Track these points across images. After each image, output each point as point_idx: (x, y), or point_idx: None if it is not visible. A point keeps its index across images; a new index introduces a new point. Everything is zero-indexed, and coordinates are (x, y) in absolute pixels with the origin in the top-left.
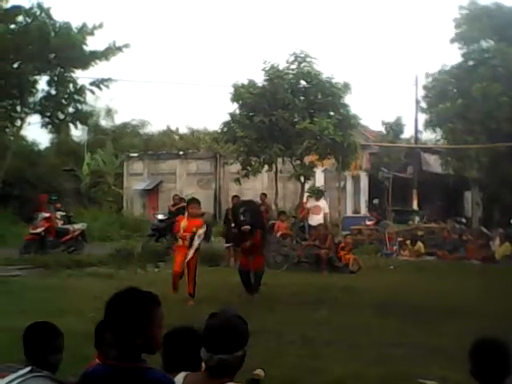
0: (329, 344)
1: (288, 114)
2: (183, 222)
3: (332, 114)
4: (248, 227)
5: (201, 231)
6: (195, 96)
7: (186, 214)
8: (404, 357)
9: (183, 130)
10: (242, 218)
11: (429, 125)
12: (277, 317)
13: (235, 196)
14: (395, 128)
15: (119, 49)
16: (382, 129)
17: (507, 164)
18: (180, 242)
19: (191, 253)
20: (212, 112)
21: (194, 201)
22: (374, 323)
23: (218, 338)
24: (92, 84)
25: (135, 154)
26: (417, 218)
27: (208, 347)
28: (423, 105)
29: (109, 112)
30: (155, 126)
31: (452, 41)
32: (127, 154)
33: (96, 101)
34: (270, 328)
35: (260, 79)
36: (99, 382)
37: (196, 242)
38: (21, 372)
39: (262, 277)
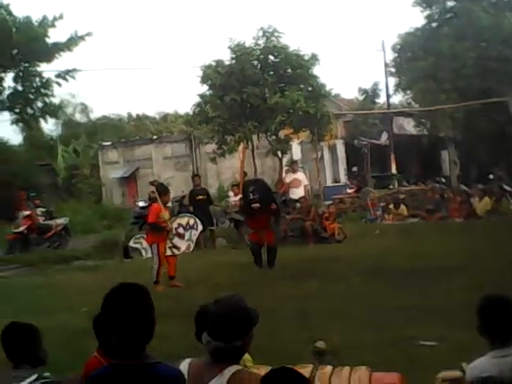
0: (323, 315)
1: (258, 90)
2: (164, 213)
3: (302, 86)
4: (258, 205)
5: (192, 221)
6: (163, 80)
7: (161, 202)
8: (399, 320)
9: (150, 115)
10: (251, 196)
11: (399, 87)
12: (269, 292)
13: (196, 175)
14: (372, 94)
15: (82, 38)
16: (354, 96)
17: (481, 120)
18: (171, 234)
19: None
20: (182, 94)
21: (166, 189)
22: (366, 290)
23: (217, 326)
24: (58, 76)
25: (108, 143)
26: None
27: (209, 332)
28: (392, 69)
29: (84, 109)
30: (126, 113)
31: (414, 4)
32: (100, 143)
33: (73, 97)
34: (264, 304)
35: (228, 57)
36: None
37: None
38: (28, 380)
39: (276, 250)
